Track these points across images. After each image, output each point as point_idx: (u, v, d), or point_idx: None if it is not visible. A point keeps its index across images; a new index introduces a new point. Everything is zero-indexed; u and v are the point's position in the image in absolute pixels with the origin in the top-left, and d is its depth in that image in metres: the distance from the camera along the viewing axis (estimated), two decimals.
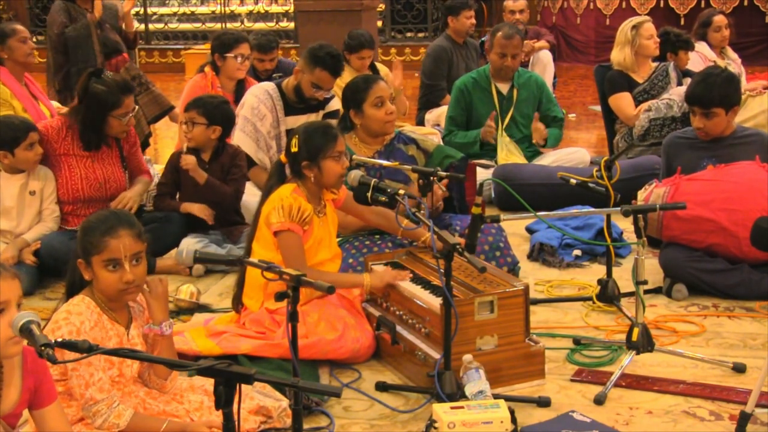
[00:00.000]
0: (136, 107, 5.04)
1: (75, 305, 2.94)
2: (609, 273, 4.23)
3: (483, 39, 8.43)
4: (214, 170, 5.04)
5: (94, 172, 4.93)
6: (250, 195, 5.19)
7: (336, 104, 5.71)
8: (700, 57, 6.97)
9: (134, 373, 3.08)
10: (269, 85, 5.55)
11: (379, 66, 7.38)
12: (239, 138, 5.39)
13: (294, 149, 3.82)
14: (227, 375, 2.22)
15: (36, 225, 4.83)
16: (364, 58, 7.06)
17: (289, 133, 5.40)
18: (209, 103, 5.04)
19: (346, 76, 6.81)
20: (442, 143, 5.83)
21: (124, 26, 7.12)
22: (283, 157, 3.92)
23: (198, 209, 5.01)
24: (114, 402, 2.90)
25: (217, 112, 5.01)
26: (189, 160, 4.97)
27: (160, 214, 5.08)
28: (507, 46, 6.17)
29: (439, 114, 7.58)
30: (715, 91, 4.41)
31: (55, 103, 6.37)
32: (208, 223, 5.04)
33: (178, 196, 5.18)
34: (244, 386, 2.25)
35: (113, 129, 4.87)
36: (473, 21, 7.86)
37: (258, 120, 5.43)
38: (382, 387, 3.54)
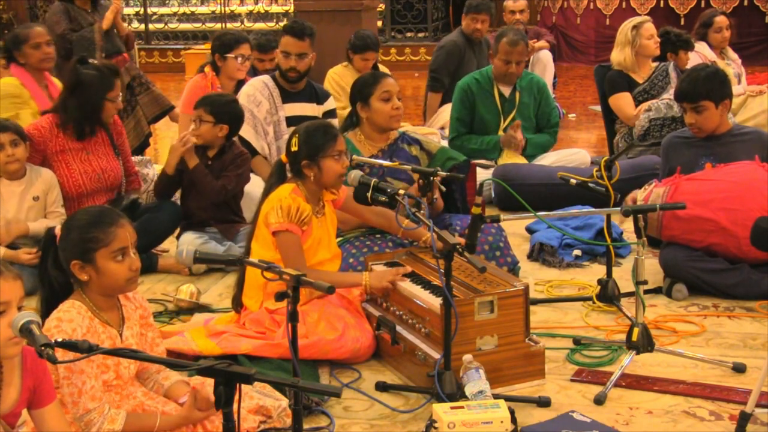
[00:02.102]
0: (120, 94, 5.06)
1: (65, 312, 2.88)
2: (609, 273, 4.23)
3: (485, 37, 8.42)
4: (215, 168, 5.04)
5: (91, 165, 4.97)
6: (254, 186, 5.20)
7: (332, 103, 5.80)
8: (700, 57, 6.97)
9: (132, 374, 3.05)
10: (265, 77, 5.76)
11: (380, 67, 7.37)
12: None
13: (294, 148, 3.83)
14: (227, 375, 2.22)
15: (42, 219, 4.80)
16: (368, 60, 7.06)
17: (289, 120, 5.50)
18: (217, 101, 5.05)
19: (348, 76, 6.86)
20: (444, 144, 5.83)
21: (115, 30, 7.12)
22: (283, 157, 3.92)
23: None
24: (105, 409, 2.85)
25: (225, 111, 5.02)
26: (189, 140, 4.95)
27: (152, 204, 5.13)
28: (512, 53, 6.14)
29: (444, 117, 7.55)
30: (700, 85, 4.45)
31: None
32: (203, 219, 5.05)
33: (179, 195, 5.17)
34: (244, 386, 2.25)
35: (108, 112, 4.95)
36: (478, 27, 7.72)
37: (254, 106, 5.54)
38: (382, 387, 3.54)
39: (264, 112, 5.56)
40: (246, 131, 5.45)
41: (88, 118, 4.90)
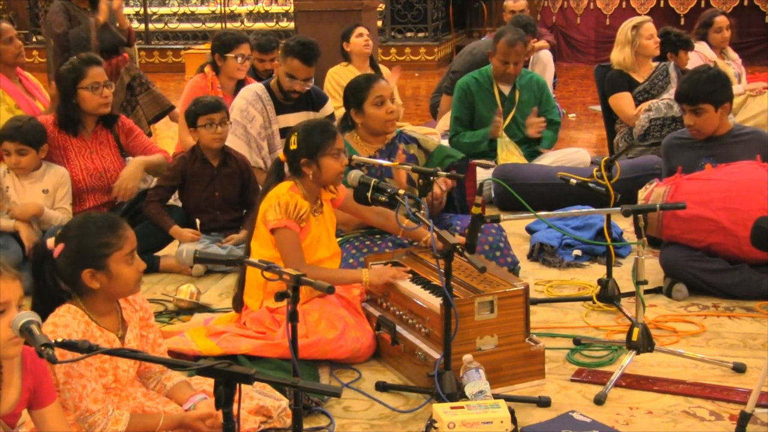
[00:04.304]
0: (109, 81, 5.06)
1: (60, 317, 2.86)
2: (609, 273, 4.23)
3: (484, 38, 8.40)
4: (223, 177, 5.04)
5: (93, 163, 5.03)
6: None
7: (330, 108, 5.72)
8: (700, 57, 6.97)
9: (131, 376, 3.04)
10: (258, 86, 5.57)
11: (381, 66, 7.36)
12: (231, 141, 5.35)
13: (293, 147, 3.82)
14: (227, 375, 2.22)
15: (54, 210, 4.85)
16: (362, 35, 7.04)
17: (282, 131, 5.43)
18: (223, 104, 5.08)
19: (347, 75, 6.84)
20: (445, 144, 5.82)
21: (117, 24, 7.12)
22: (281, 155, 3.92)
23: (188, 235, 4.95)
24: (109, 410, 2.85)
25: (227, 111, 5.11)
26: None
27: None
28: (510, 54, 6.13)
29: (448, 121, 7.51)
30: (701, 88, 4.44)
31: None
32: (207, 223, 5.06)
33: (182, 200, 5.15)
34: (244, 386, 2.24)
35: (88, 103, 4.94)
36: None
37: (248, 122, 5.43)
38: (382, 387, 3.54)
39: (258, 127, 5.42)
40: (238, 146, 5.33)
41: (65, 110, 4.95)
